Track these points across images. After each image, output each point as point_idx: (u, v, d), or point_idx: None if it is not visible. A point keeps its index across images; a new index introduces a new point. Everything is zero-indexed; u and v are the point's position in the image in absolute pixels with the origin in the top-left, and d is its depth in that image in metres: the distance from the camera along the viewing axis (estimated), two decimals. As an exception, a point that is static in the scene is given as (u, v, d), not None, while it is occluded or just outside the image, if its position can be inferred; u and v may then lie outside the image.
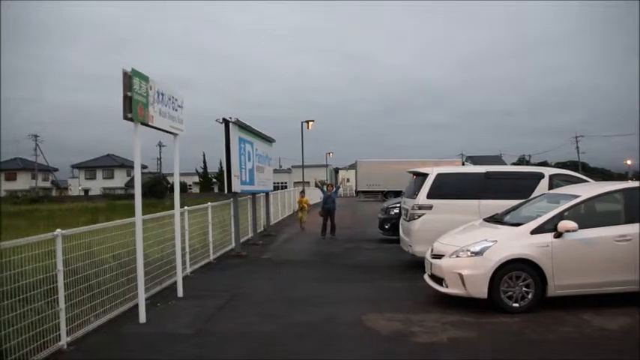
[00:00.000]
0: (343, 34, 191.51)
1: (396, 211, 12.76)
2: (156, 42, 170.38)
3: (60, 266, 5.01)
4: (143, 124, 5.99)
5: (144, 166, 57.34)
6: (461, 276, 6.10)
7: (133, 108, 5.62)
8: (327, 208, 14.91)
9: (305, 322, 5.94)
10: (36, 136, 67.52)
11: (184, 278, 7.78)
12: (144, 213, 6.35)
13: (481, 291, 6.03)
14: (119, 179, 70.55)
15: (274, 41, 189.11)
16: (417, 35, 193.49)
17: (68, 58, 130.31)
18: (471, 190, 8.84)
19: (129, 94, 5.58)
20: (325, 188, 15.66)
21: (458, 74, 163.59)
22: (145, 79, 5.95)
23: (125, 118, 5.64)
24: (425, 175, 9.16)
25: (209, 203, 10.78)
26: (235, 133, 11.37)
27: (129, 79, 5.60)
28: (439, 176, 9.02)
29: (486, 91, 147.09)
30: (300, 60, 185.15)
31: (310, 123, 30.83)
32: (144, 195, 6.74)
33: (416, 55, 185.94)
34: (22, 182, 69.64)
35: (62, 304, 4.99)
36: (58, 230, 5.10)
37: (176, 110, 6.97)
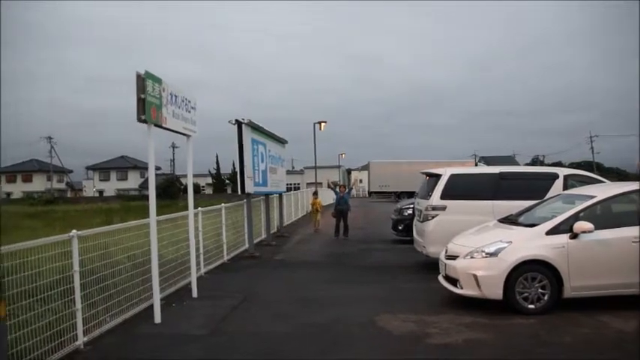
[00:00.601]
0: (349, 34, 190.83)
1: (410, 212, 12.73)
2: (166, 44, 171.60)
3: (76, 267, 5.07)
4: (157, 125, 6.04)
5: (157, 168, 57.51)
6: (475, 277, 6.05)
7: (146, 110, 5.66)
8: (340, 209, 14.91)
9: (317, 323, 5.94)
10: (50, 138, 68.46)
11: (199, 279, 7.84)
12: (158, 214, 6.40)
13: (496, 292, 5.97)
14: (133, 180, 71.25)
15: (283, 42, 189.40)
16: (424, 36, 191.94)
17: (78, 60, 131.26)
18: (484, 190, 8.77)
19: (142, 96, 5.63)
20: (338, 189, 15.64)
21: (465, 74, 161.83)
22: (158, 81, 5.99)
23: (139, 120, 5.69)
24: (438, 176, 9.11)
25: (223, 204, 10.83)
26: (248, 135, 11.41)
27: (142, 81, 5.64)
28: (452, 177, 8.96)
29: (495, 91, 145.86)
30: (310, 61, 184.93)
31: (322, 124, 30.80)
32: (158, 196, 6.79)
33: (425, 55, 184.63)
34: (38, 184, 70.73)
35: (79, 305, 5.05)
36: (74, 231, 5.16)
37: (189, 112, 7.02)
